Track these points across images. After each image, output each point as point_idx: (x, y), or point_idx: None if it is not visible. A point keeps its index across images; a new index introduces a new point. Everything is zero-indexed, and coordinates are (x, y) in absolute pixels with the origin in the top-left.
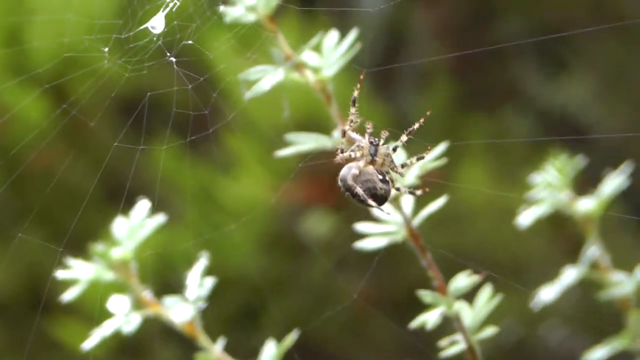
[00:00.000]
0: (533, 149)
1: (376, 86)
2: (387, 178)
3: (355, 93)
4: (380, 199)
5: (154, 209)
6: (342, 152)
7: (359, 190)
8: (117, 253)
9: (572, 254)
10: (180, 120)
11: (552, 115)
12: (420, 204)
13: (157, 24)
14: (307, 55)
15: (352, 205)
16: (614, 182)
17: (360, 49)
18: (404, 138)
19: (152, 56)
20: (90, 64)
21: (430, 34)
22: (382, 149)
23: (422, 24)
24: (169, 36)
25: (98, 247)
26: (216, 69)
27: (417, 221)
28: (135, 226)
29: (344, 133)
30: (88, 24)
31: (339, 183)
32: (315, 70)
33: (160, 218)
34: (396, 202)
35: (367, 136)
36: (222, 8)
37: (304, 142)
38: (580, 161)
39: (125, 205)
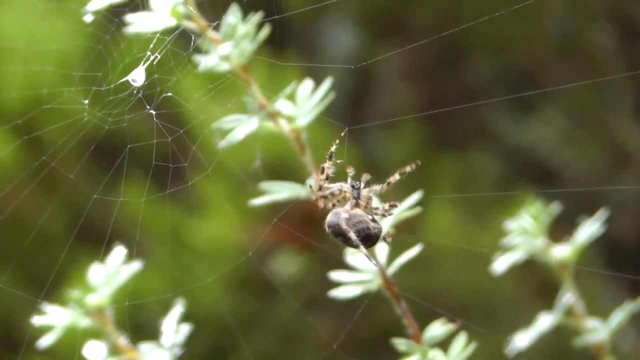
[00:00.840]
0: (502, 191)
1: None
2: (375, 218)
3: (333, 148)
4: (374, 239)
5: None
6: (321, 192)
7: (353, 235)
8: (93, 300)
9: (542, 294)
10: (154, 166)
11: (521, 156)
12: (394, 251)
13: (137, 77)
14: (281, 104)
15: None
16: (589, 230)
17: (328, 90)
18: (383, 188)
19: (133, 108)
20: (70, 116)
21: (399, 75)
22: (364, 192)
23: (391, 65)
24: (149, 89)
25: (74, 293)
26: (195, 120)
27: (392, 270)
28: (111, 273)
29: (320, 187)
30: (67, 75)
31: (327, 230)
32: (290, 119)
33: (136, 265)
34: (371, 250)
35: (349, 180)
36: (196, 57)
37: (278, 191)
38: (555, 208)
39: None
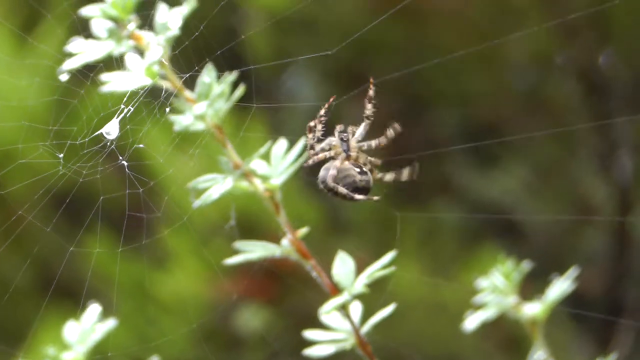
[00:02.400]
0: (467, 244)
1: (309, 182)
2: (365, 169)
3: (322, 111)
4: (363, 190)
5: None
6: (313, 151)
7: (342, 189)
8: (69, 357)
9: (507, 348)
10: (117, 218)
11: (486, 209)
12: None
13: (111, 129)
14: (256, 164)
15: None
16: (560, 288)
17: (302, 150)
18: (368, 111)
19: (105, 160)
20: (45, 170)
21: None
22: (354, 143)
23: (355, 118)
24: (122, 140)
25: (49, 351)
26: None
27: (365, 328)
28: (87, 330)
29: (311, 147)
30: (43, 130)
31: (320, 186)
32: (264, 178)
33: (111, 322)
34: (345, 309)
35: (337, 134)
36: (171, 117)
37: (252, 250)
38: (525, 266)
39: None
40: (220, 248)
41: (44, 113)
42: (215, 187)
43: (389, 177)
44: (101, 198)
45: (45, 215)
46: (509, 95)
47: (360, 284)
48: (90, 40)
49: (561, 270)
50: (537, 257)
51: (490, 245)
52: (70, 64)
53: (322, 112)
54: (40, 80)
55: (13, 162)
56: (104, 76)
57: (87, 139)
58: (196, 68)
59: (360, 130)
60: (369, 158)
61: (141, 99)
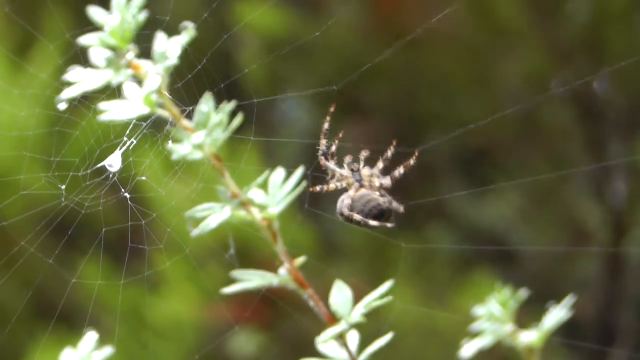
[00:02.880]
0: (460, 270)
1: (304, 206)
2: (382, 192)
3: (326, 125)
4: (389, 212)
5: (85, 328)
6: (327, 184)
7: (357, 216)
8: None
9: None
10: (111, 245)
11: (480, 235)
12: (361, 335)
13: (114, 162)
14: (254, 193)
15: (282, 325)
16: (556, 316)
17: (300, 179)
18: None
19: (108, 192)
20: (48, 201)
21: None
22: (365, 171)
23: (348, 143)
24: (124, 172)
25: None
26: (167, 205)
27: (363, 358)
28: (84, 358)
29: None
30: (45, 161)
31: (339, 217)
32: (262, 207)
33: (108, 350)
34: (342, 338)
35: (346, 166)
36: (169, 146)
37: (250, 280)
38: (522, 294)
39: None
40: (215, 273)
41: (45, 143)
42: (212, 216)
43: (396, 173)
44: (103, 230)
45: (47, 246)
46: (504, 120)
47: (357, 314)
48: (88, 69)
49: (555, 295)
50: (531, 282)
51: (484, 271)
52: (68, 93)
53: (326, 125)
54: (40, 111)
55: (15, 192)
56: (102, 105)
57: (89, 171)
58: (180, 83)
59: (378, 166)
60: (380, 182)
61: (144, 131)
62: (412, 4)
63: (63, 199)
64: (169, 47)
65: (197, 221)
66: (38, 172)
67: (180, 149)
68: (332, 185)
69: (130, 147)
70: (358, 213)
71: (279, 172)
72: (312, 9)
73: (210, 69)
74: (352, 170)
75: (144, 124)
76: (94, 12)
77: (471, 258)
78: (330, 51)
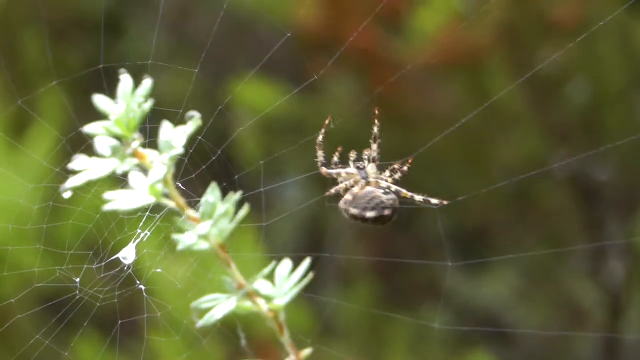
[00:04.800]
0: (455, 349)
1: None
2: (389, 190)
3: (320, 137)
4: (392, 208)
5: None
6: (334, 185)
7: (353, 210)
8: None
9: None
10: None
11: (475, 313)
12: None
13: (128, 254)
14: (260, 284)
15: None
16: None
17: (307, 270)
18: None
19: (123, 283)
20: (62, 294)
21: (353, 232)
22: (370, 169)
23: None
24: (139, 264)
25: None
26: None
27: None
28: None
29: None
30: (59, 254)
31: (345, 215)
32: (268, 299)
33: None
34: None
35: (351, 164)
36: (174, 236)
37: None
38: None
39: None
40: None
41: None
42: (218, 306)
43: (418, 198)
44: (119, 322)
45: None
46: (499, 198)
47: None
48: (93, 158)
49: None
50: None
51: (480, 350)
52: (73, 182)
53: (320, 137)
54: (53, 204)
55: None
56: (107, 194)
57: (103, 263)
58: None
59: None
60: (390, 178)
61: (157, 223)
62: (409, 84)
63: (78, 292)
64: (175, 137)
65: (202, 312)
66: (52, 264)
67: (186, 239)
68: (342, 185)
69: (145, 239)
70: (362, 210)
71: (286, 263)
72: (309, 88)
73: (207, 148)
74: (357, 167)
75: (158, 216)
76: (99, 101)
77: (467, 337)
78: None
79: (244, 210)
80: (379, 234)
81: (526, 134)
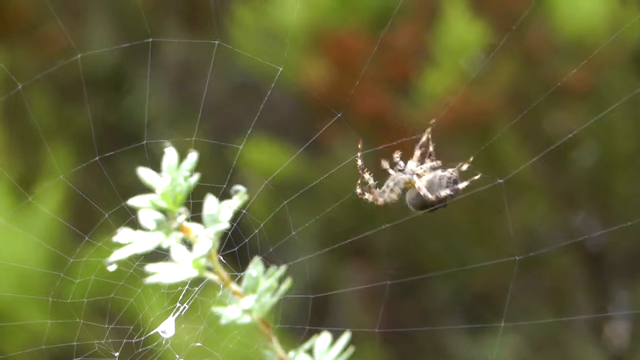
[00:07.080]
0: None
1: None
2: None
3: (359, 162)
4: (454, 182)
5: None
6: (373, 190)
7: (443, 192)
8: None
9: None
10: None
11: None
12: None
13: (167, 328)
14: (301, 358)
15: None
16: None
17: (347, 344)
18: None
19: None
20: None
21: (359, 297)
22: (410, 164)
23: (351, 285)
24: (178, 338)
25: None
26: None
27: None
28: None
29: (371, 192)
30: (99, 328)
31: (421, 211)
32: None
33: None
34: None
35: (391, 171)
36: (215, 309)
37: None
38: None
39: None
40: None
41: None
42: None
43: (464, 167)
44: None
45: None
46: (505, 264)
47: None
48: (138, 231)
49: None
50: None
51: None
52: (118, 255)
53: (360, 162)
54: (95, 277)
55: None
56: (150, 267)
57: (142, 338)
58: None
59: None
60: (429, 159)
61: (196, 296)
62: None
63: None
64: (221, 211)
65: None
66: (91, 339)
67: (229, 314)
68: (382, 199)
69: (183, 313)
70: (443, 190)
71: (325, 336)
72: (317, 151)
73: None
74: (399, 171)
75: (196, 289)
76: (144, 174)
77: None
78: (334, 194)
79: (287, 284)
80: (385, 300)
81: (534, 199)
